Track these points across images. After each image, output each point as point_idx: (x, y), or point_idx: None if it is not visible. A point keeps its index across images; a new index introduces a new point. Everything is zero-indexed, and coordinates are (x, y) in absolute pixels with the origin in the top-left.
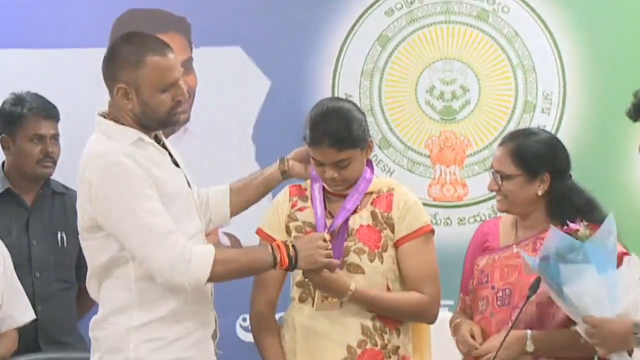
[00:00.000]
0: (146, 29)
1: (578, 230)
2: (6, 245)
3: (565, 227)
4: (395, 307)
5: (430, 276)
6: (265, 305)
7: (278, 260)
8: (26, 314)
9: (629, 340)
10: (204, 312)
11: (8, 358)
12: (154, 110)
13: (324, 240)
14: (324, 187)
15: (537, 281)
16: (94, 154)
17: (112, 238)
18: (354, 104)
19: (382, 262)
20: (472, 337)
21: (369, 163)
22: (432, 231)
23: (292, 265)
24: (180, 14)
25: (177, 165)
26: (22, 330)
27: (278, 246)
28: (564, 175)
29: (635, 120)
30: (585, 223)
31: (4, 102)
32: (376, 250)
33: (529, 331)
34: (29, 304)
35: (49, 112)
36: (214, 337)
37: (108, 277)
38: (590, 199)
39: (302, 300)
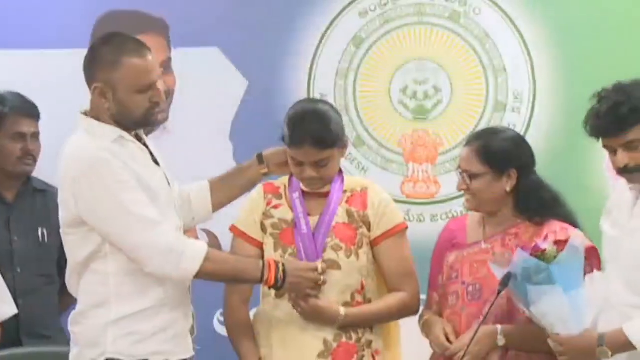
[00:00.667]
0: (126, 30)
1: (545, 250)
2: None
3: (533, 246)
4: (386, 315)
5: (408, 272)
6: (239, 302)
7: (265, 278)
8: (8, 309)
9: (595, 353)
10: (182, 307)
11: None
12: (130, 111)
13: (316, 271)
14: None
15: (507, 277)
16: (77, 151)
17: (93, 233)
18: (331, 105)
19: (357, 259)
20: (446, 336)
21: None
22: (406, 228)
23: (277, 287)
24: (159, 15)
25: (157, 163)
26: (4, 325)
27: (269, 265)
28: (530, 170)
29: (602, 136)
30: (552, 241)
31: None
32: (352, 247)
33: (499, 326)
34: (11, 298)
35: (30, 111)
36: (191, 332)
37: (86, 272)
38: (556, 195)
39: (278, 296)
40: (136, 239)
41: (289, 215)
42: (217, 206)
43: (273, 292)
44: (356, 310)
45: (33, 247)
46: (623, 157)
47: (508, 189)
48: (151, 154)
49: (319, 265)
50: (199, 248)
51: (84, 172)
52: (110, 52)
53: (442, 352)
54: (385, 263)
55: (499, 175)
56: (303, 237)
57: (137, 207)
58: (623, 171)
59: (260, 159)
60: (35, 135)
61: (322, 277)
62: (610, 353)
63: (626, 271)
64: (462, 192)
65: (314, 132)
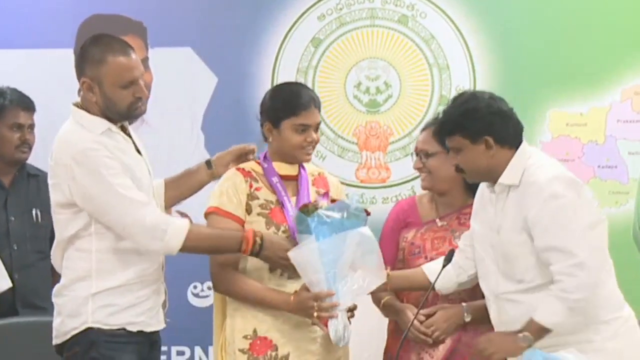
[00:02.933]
0: (107, 32)
1: (308, 204)
2: None
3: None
4: None
5: None
6: (232, 268)
7: (242, 249)
8: (3, 282)
9: (517, 340)
10: (155, 283)
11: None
12: (115, 104)
13: (286, 259)
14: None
15: (451, 252)
16: (69, 141)
17: (81, 213)
18: None
19: None
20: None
21: None
22: None
23: (254, 254)
24: (138, 19)
25: (139, 153)
26: (0, 297)
27: (247, 238)
28: None
29: (440, 140)
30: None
31: None
32: None
33: (464, 304)
34: (6, 273)
35: (27, 104)
36: (163, 306)
37: (71, 248)
38: None
39: (272, 270)
40: (126, 218)
41: (272, 197)
42: (169, 203)
43: (266, 267)
44: None
45: (28, 226)
46: (452, 158)
47: None
48: (135, 144)
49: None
50: (182, 225)
51: (76, 160)
52: (98, 50)
53: (418, 336)
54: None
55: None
56: (291, 217)
57: (126, 190)
58: (456, 170)
59: (208, 164)
60: (31, 127)
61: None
62: (530, 336)
63: (500, 263)
64: (410, 178)
65: (313, 95)
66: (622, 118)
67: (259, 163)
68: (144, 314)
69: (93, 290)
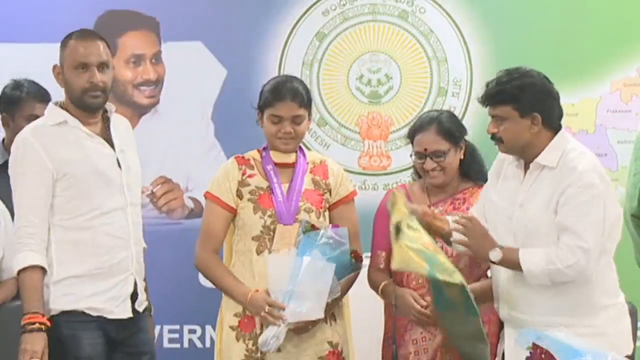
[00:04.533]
0: (122, 27)
1: (311, 224)
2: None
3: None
4: (351, 284)
5: (355, 235)
6: (211, 251)
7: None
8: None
9: (492, 243)
10: (119, 275)
11: (8, 302)
12: (71, 88)
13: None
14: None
15: (396, 227)
16: (23, 129)
17: None
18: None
19: (325, 219)
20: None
21: None
22: (356, 194)
23: None
24: (151, 14)
25: (113, 148)
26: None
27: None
28: (467, 141)
29: (484, 105)
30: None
31: (5, 87)
32: (320, 209)
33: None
34: None
35: (43, 96)
36: (133, 297)
37: None
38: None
39: (259, 252)
40: (16, 222)
41: (264, 183)
42: None
43: (254, 248)
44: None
45: None
46: (492, 126)
47: (462, 157)
48: (111, 140)
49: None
50: (22, 261)
51: (14, 146)
52: (66, 38)
53: (421, 318)
54: (340, 223)
55: (458, 148)
56: (279, 202)
57: (20, 191)
58: (492, 138)
59: None
60: None
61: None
62: (501, 255)
63: (519, 236)
64: (410, 165)
65: (294, 89)
66: (612, 108)
67: (259, 151)
68: (107, 302)
69: (53, 278)
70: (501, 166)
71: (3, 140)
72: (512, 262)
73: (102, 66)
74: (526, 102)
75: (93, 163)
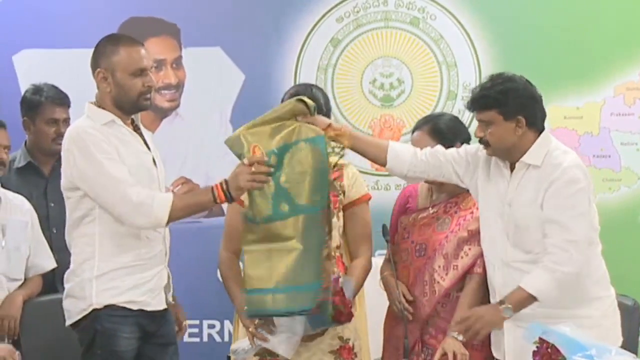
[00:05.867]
0: (144, 33)
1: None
2: None
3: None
4: (361, 285)
5: (366, 237)
6: (232, 252)
7: (216, 196)
8: (49, 263)
9: (500, 313)
10: (156, 267)
11: (34, 297)
12: (126, 92)
13: (245, 165)
14: None
15: (384, 228)
16: (73, 129)
17: (85, 199)
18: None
19: (338, 220)
20: (404, 295)
21: None
22: (370, 198)
23: (228, 198)
24: (172, 21)
25: (149, 149)
26: (43, 276)
27: (216, 186)
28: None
29: (471, 111)
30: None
31: (25, 92)
32: (335, 210)
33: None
34: (51, 254)
35: (62, 100)
36: (167, 289)
37: (76, 232)
38: None
39: None
40: (115, 196)
41: None
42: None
43: None
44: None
45: (65, 211)
46: (478, 131)
47: None
48: (145, 140)
49: (245, 161)
50: (166, 198)
51: (75, 143)
52: (110, 43)
53: (401, 310)
54: (350, 227)
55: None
56: None
57: (116, 172)
58: (479, 142)
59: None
60: (66, 121)
61: (251, 169)
62: (512, 308)
63: (510, 234)
64: None
65: (313, 96)
66: (615, 111)
67: None
68: (145, 294)
69: (96, 272)
70: (491, 167)
71: (25, 142)
72: (522, 301)
73: (151, 67)
74: (510, 106)
75: (140, 159)
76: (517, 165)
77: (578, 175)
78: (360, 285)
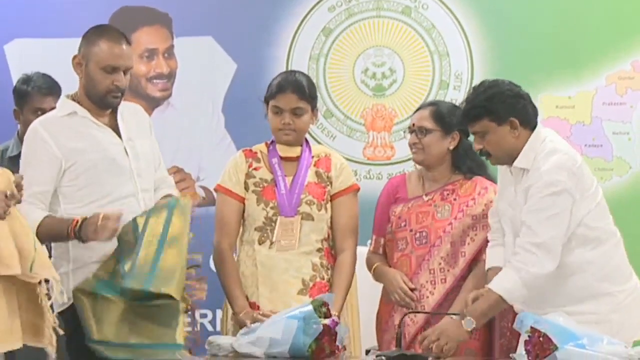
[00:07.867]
0: (136, 23)
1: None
2: None
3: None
4: (351, 279)
5: (353, 228)
6: (227, 245)
7: (69, 232)
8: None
9: (462, 327)
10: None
11: None
12: (94, 86)
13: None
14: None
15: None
16: (34, 121)
17: (53, 197)
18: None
19: (326, 211)
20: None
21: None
22: (358, 189)
23: (78, 235)
24: (164, 10)
25: (120, 138)
26: None
27: (74, 223)
28: (467, 136)
29: (464, 126)
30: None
31: (17, 81)
32: (322, 202)
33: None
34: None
35: (50, 89)
36: None
37: None
38: (481, 159)
39: (261, 242)
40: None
41: (269, 176)
42: None
43: (257, 238)
44: (340, 295)
45: None
46: (476, 143)
47: (451, 147)
48: (118, 131)
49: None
50: (33, 221)
51: (25, 138)
52: (94, 33)
53: (403, 298)
54: (336, 217)
55: (446, 134)
56: (281, 195)
57: (27, 180)
58: (480, 154)
59: None
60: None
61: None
62: (473, 321)
63: (518, 238)
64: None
65: (296, 81)
66: (607, 101)
67: (267, 145)
68: None
69: (71, 266)
70: (504, 174)
71: (18, 132)
72: (491, 306)
73: (127, 70)
74: (499, 110)
75: (102, 151)
76: (512, 170)
77: (555, 178)
78: (350, 283)
